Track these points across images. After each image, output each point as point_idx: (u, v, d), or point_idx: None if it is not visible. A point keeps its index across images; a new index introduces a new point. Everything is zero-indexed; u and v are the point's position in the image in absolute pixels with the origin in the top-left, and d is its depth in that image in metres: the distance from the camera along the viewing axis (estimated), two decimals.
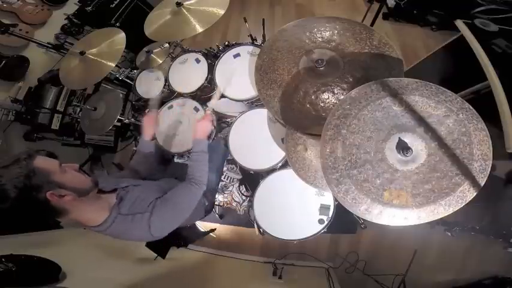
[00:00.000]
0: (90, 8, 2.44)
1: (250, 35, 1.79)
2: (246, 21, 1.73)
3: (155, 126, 1.42)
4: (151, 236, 0.90)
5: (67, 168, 0.82)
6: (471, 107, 0.74)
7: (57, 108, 2.38)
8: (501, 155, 1.04)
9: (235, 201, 1.74)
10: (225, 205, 1.75)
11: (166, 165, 1.66)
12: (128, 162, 1.41)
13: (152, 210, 0.90)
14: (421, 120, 0.76)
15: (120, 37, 1.59)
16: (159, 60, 1.86)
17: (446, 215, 0.74)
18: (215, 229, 2.14)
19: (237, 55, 1.58)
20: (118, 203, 0.92)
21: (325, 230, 1.32)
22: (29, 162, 0.74)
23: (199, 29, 1.45)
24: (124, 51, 1.60)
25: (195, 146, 1.18)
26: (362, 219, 1.42)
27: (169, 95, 1.77)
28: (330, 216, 1.32)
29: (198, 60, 1.68)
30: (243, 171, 1.70)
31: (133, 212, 0.90)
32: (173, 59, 1.77)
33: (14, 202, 0.70)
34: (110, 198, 0.94)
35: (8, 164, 0.72)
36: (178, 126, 1.57)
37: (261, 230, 1.39)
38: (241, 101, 1.50)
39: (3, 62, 2.07)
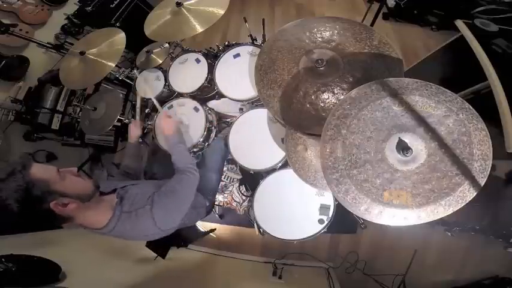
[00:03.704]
0: (90, 8, 2.44)
1: (250, 35, 1.79)
2: (246, 21, 1.72)
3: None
4: (159, 229, 0.91)
5: (65, 174, 0.81)
6: (471, 107, 0.74)
7: (57, 108, 2.38)
8: (501, 155, 1.04)
9: (235, 201, 1.74)
10: (225, 205, 1.76)
11: (166, 164, 1.66)
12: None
13: (152, 203, 0.91)
14: (421, 120, 0.76)
15: (120, 37, 1.59)
16: (159, 60, 1.86)
17: (446, 215, 0.74)
18: (215, 229, 2.14)
19: (237, 55, 1.58)
20: (120, 202, 0.92)
21: (325, 230, 1.32)
22: (24, 174, 0.72)
23: (199, 29, 1.45)
24: (124, 51, 1.60)
25: (167, 144, 1.26)
26: (362, 219, 1.42)
27: (169, 95, 1.77)
28: (330, 216, 1.32)
29: (198, 60, 1.68)
30: (243, 171, 1.70)
31: (135, 208, 0.91)
32: (173, 59, 1.77)
33: (19, 216, 0.69)
34: (111, 198, 0.94)
35: (3, 178, 0.70)
36: (178, 126, 1.57)
37: (261, 230, 1.39)
38: (241, 101, 1.50)
39: (3, 62, 2.07)
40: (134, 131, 1.48)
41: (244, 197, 1.72)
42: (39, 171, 0.76)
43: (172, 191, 1.01)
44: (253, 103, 1.53)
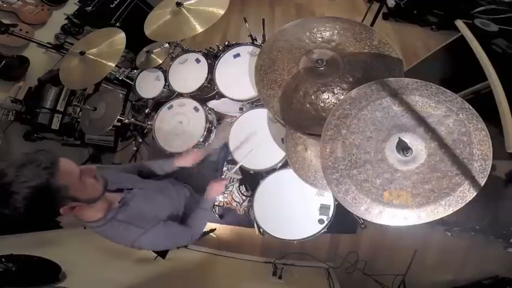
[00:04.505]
0: (90, 8, 2.44)
1: (250, 35, 1.79)
2: (246, 21, 1.73)
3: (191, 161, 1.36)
4: (131, 246, 0.90)
5: (85, 176, 0.78)
6: (471, 107, 0.74)
7: (57, 108, 2.38)
8: (501, 155, 1.04)
9: (235, 201, 1.74)
10: (225, 205, 1.75)
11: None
12: (129, 163, 1.40)
13: (148, 230, 0.90)
14: (421, 120, 0.76)
15: (120, 37, 1.59)
16: (159, 60, 1.86)
17: (446, 215, 0.74)
18: (215, 229, 2.14)
19: (237, 55, 1.58)
20: (118, 208, 0.91)
21: (325, 230, 1.32)
22: (50, 173, 0.67)
23: (199, 29, 1.45)
24: (124, 51, 1.60)
25: (204, 204, 1.19)
26: (362, 219, 1.42)
27: (169, 95, 1.77)
28: (330, 216, 1.32)
29: (198, 60, 1.68)
30: (243, 171, 1.70)
31: (130, 222, 0.90)
32: (173, 59, 1.77)
33: (21, 215, 0.65)
34: (113, 198, 0.93)
35: (23, 164, 0.65)
36: (178, 126, 1.57)
37: (261, 230, 1.39)
38: (241, 101, 1.50)
39: (3, 62, 2.07)
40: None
41: (244, 197, 1.72)
42: (66, 173, 0.71)
43: (172, 237, 1.03)
44: (253, 103, 1.53)
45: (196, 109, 1.58)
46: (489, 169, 0.71)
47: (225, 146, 1.50)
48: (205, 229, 2.03)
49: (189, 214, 1.16)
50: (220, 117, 1.68)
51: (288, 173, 1.35)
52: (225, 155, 1.59)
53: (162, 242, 1.02)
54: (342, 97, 0.94)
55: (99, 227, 0.87)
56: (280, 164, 1.39)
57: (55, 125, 2.38)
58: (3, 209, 0.64)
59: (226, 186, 1.75)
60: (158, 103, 1.80)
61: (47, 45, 2.23)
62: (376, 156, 0.78)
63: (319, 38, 1.11)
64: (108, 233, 0.88)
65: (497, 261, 2.01)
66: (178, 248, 1.95)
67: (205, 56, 1.69)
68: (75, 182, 0.74)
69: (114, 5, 2.51)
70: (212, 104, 1.70)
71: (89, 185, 0.79)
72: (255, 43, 1.73)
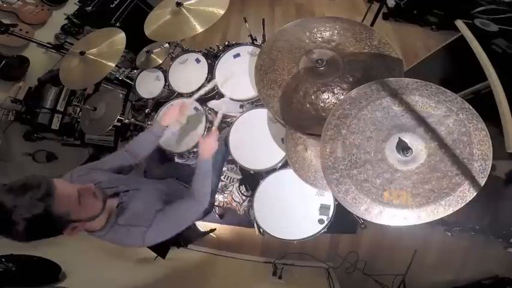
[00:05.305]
0: (90, 8, 2.44)
1: (250, 35, 1.79)
2: (246, 21, 1.73)
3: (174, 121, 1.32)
4: (143, 244, 0.89)
5: (84, 198, 0.76)
6: (471, 107, 0.74)
7: (57, 108, 2.38)
8: (501, 155, 1.04)
9: (235, 201, 1.74)
10: (225, 205, 1.76)
11: (166, 164, 1.66)
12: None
13: (150, 225, 0.89)
14: (421, 120, 0.76)
15: (120, 37, 1.59)
16: (159, 60, 1.86)
17: (446, 215, 0.74)
18: (215, 229, 2.14)
19: (237, 55, 1.58)
20: (117, 213, 0.91)
21: (325, 230, 1.32)
22: (47, 202, 0.65)
23: (199, 29, 1.45)
24: (124, 51, 1.60)
25: (200, 166, 1.12)
26: (362, 219, 1.42)
27: (169, 95, 1.77)
28: (330, 216, 1.32)
29: (198, 60, 1.68)
30: (243, 171, 1.70)
31: (131, 223, 0.89)
32: (173, 59, 1.77)
33: (22, 237, 0.64)
34: (111, 204, 0.92)
35: (19, 193, 0.64)
36: (179, 127, 1.57)
37: (261, 230, 1.39)
38: (241, 101, 1.50)
39: (3, 62, 2.07)
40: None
41: (244, 197, 1.72)
42: (64, 200, 0.69)
43: (177, 217, 0.98)
44: (253, 103, 1.53)
45: (196, 109, 1.58)
46: (489, 169, 0.71)
47: (225, 146, 1.50)
48: (205, 229, 2.05)
49: (188, 184, 1.10)
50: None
51: (288, 173, 1.35)
52: (225, 155, 1.59)
53: (171, 228, 0.96)
54: (342, 97, 0.94)
55: (104, 235, 0.87)
56: (280, 164, 1.39)
57: (55, 125, 2.38)
58: (7, 236, 0.65)
59: (226, 186, 1.75)
60: (158, 103, 1.80)
61: (47, 45, 2.23)
62: (376, 156, 0.78)
63: (319, 38, 1.11)
64: (113, 239, 0.88)
65: (497, 261, 2.01)
66: (178, 247, 1.95)
67: (205, 56, 1.69)
68: (74, 206, 0.73)
69: (114, 5, 2.51)
70: (212, 104, 1.70)
71: (89, 205, 0.78)
72: (255, 43, 1.73)
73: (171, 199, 1.04)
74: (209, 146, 1.15)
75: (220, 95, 1.63)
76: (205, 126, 1.51)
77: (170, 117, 1.28)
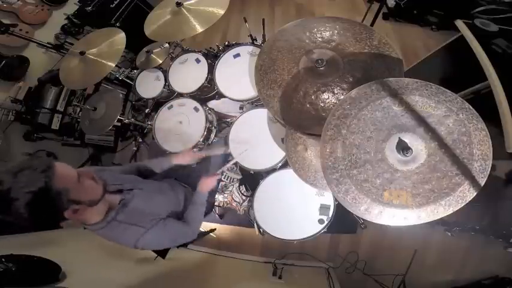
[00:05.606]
0: (90, 8, 2.44)
1: (250, 35, 1.79)
2: (246, 21, 1.73)
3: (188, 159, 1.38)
4: (134, 246, 0.90)
5: (84, 179, 0.77)
6: (471, 107, 0.74)
7: (57, 108, 2.38)
8: (501, 155, 1.04)
9: (235, 201, 1.74)
10: (225, 205, 1.75)
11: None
12: (129, 163, 1.40)
13: (150, 229, 0.90)
14: (421, 120, 0.76)
15: (120, 37, 1.59)
16: (159, 60, 1.86)
17: (446, 215, 0.74)
18: (215, 229, 2.14)
19: (237, 55, 1.58)
20: (118, 209, 0.91)
21: (325, 230, 1.32)
22: (47, 177, 0.66)
23: (199, 29, 1.45)
24: (124, 51, 1.60)
25: (197, 197, 1.20)
26: (362, 219, 1.42)
27: (169, 95, 1.77)
28: (330, 216, 1.32)
29: (198, 60, 1.68)
30: (243, 171, 1.70)
31: (130, 222, 0.90)
32: (173, 59, 1.77)
33: (25, 220, 0.65)
34: (113, 200, 0.93)
35: (19, 170, 0.64)
36: (178, 127, 1.57)
37: (261, 230, 1.39)
38: (241, 101, 1.50)
39: (3, 62, 2.07)
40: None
41: (244, 197, 1.71)
42: (63, 176, 0.70)
43: (172, 235, 1.02)
44: (253, 103, 1.53)
45: (196, 109, 1.58)
46: (489, 169, 0.71)
47: (225, 145, 1.50)
48: (205, 229, 2.04)
49: (186, 210, 1.17)
50: (220, 117, 1.68)
51: (288, 173, 1.35)
52: (225, 157, 1.59)
53: (164, 241, 1.01)
54: (342, 97, 0.94)
55: (101, 228, 0.87)
56: (280, 164, 1.39)
57: (55, 125, 2.38)
58: (6, 216, 0.64)
59: (226, 186, 1.75)
60: (158, 103, 1.80)
61: (47, 45, 2.23)
62: (376, 156, 0.78)
63: (319, 38, 1.11)
64: (109, 235, 0.89)
65: (497, 261, 2.01)
66: (178, 247, 1.95)
67: (205, 56, 1.69)
68: (74, 184, 0.73)
69: (114, 5, 2.51)
70: (212, 104, 1.70)
71: (89, 186, 0.79)
72: (255, 43, 1.73)
73: (177, 210, 1.11)
74: (209, 184, 1.24)
75: (220, 95, 1.63)
76: (205, 126, 1.51)
77: (181, 160, 1.34)
